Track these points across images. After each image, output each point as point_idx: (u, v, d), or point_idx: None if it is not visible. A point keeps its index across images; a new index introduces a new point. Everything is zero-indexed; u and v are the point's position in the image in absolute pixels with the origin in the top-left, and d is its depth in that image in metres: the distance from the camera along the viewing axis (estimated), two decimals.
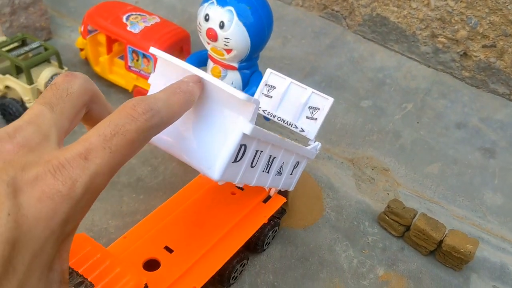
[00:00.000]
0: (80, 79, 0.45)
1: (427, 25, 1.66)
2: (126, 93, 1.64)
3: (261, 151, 0.92)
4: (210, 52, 1.36)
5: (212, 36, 1.29)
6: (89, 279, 0.81)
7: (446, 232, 1.30)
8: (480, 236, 1.40)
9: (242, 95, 0.64)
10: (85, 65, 1.71)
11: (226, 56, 1.34)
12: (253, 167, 0.92)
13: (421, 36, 1.70)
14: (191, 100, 0.51)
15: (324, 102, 1.15)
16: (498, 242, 1.40)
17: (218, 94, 0.66)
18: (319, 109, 1.14)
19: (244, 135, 0.72)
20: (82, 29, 1.61)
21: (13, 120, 1.52)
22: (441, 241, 1.29)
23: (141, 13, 1.60)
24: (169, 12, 2.02)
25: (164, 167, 1.43)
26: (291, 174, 1.18)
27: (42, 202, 0.31)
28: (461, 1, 1.56)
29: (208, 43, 1.33)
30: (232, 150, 0.75)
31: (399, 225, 1.35)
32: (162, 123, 0.44)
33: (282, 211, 1.30)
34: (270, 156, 0.96)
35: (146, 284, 0.85)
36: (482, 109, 1.69)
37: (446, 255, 1.29)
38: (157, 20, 1.59)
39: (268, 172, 1.00)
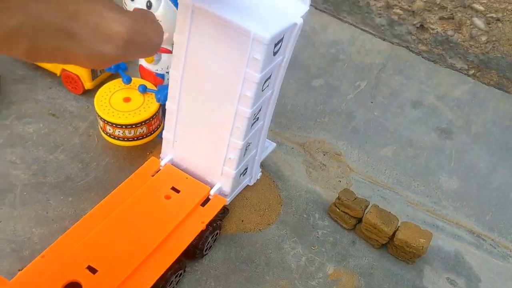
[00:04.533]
0: None
1: None
2: (54, 77, 1.49)
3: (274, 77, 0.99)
4: None
5: None
6: None
7: (398, 225, 1.24)
8: (435, 224, 1.34)
9: None
10: None
11: None
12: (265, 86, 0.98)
13: (375, 7, 1.58)
14: None
15: None
16: (453, 229, 1.34)
17: None
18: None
19: (300, 25, 0.89)
20: None
21: None
22: (393, 235, 1.23)
23: None
24: None
25: (96, 163, 1.30)
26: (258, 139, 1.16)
27: None
28: None
29: None
30: (287, 26, 0.88)
31: (350, 217, 1.28)
32: None
33: (224, 211, 1.20)
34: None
35: None
36: (439, 86, 1.60)
37: (399, 249, 1.23)
38: None
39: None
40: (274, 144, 1.35)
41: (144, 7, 1.14)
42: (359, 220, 1.29)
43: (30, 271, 0.95)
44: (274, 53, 0.93)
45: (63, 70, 1.44)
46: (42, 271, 0.94)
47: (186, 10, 0.93)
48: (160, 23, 1.16)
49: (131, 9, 1.15)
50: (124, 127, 1.21)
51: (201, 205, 1.13)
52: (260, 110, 1.05)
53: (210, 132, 1.09)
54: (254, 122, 1.06)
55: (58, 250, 0.99)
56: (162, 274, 1.00)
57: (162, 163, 1.18)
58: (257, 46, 0.88)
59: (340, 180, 1.39)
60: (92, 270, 0.96)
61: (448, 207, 1.39)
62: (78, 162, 1.30)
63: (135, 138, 1.26)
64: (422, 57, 1.64)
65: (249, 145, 1.12)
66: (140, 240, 1.03)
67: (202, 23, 0.93)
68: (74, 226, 1.05)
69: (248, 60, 0.91)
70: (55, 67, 1.45)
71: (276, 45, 0.91)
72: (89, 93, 1.45)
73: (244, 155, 1.12)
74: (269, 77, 0.98)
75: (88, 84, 1.44)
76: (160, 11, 1.13)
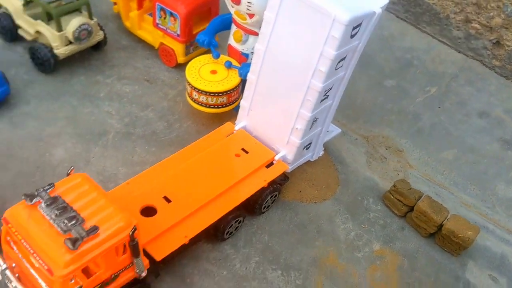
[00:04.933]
0: None
1: (462, 9, 1.61)
2: (152, 50, 1.68)
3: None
4: (233, 16, 1.38)
5: (235, 0, 1.31)
6: (81, 215, 0.86)
7: (448, 217, 1.29)
8: (485, 226, 1.38)
9: None
10: (117, 19, 1.75)
11: (248, 20, 1.35)
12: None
13: (454, 20, 1.65)
14: None
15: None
16: (503, 233, 1.37)
17: None
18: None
19: (379, 14, 1.00)
20: None
21: (41, 64, 1.59)
22: (441, 225, 1.28)
23: None
24: None
25: (179, 124, 1.47)
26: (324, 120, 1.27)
27: None
28: None
29: (232, 7, 1.35)
30: (366, 13, 0.98)
31: (403, 205, 1.35)
32: None
33: (285, 178, 1.32)
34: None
35: (135, 226, 0.89)
36: (508, 100, 1.64)
37: (445, 239, 1.29)
38: None
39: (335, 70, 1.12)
40: (339, 130, 1.45)
41: None
42: (411, 209, 1.35)
43: (116, 193, 1.11)
44: (352, 36, 1.05)
45: (161, 43, 1.63)
46: (126, 195, 1.11)
47: None
48: (253, 5, 1.32)
49: None
50: (208, 94, 1.37)
51: (265, 167, 1.25)
52: (331, 88, 1.16)
53: (282, 103, 1.22)
54: (324, 99, 1.18)
55: (140, 181, 1.15)
56: (224, 215, 1.14)
57: (236, 127, 1.32)
58: (337, 26, 1.00)
59: (398, 173, 1.47)
60: (167, 200, 1.11)
61: (501, 214, 1.42)
62: (164, 121, 1.47)
63: (216, 106, 1.41)
64: (495, 71, 1.68)
65: (316, 120, 1.23)
66: (209, 184, 1.17)
67: (290, 3, 1.07)
68: (156, 165, 1.21)
69: (327, 38, 1.03)
70: (155, 41, 1.65)
71: (354, 28, 1.03)
72: (180, 67, 1.63)
73: (310, 128, 1.24)
74: (344, 58, 1.10)
75: (181, 59, 1.62)
76: None
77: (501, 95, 1.66)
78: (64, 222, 0.83)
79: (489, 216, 1.41)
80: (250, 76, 1.26)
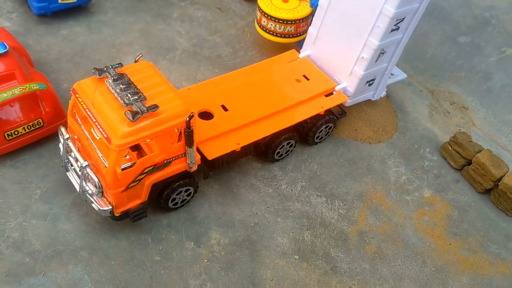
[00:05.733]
0: None
1: None
2: None
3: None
4: None
5: None
6: (144, 94, 0.90)
7: (507, 172, 1.24)
8: None
9: None
10: None
11: None
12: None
13: None
14: None
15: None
16: None
17: None
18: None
19: None
20: None
21: None
22: (499, 180, 1.24)
23: None
24: None
25: (244, 52, 1.49)
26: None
27: None
28: None
29: None
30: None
31: (461, 157, 1.31)
32: None
33: (342, 113, 1.31)
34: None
35: (192, 113, 0.92)
36: None
37: (501, 196, 1.24)
38: None
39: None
40: (404, 75, 1.42)
41: None
42: (469, 163, 1.31)
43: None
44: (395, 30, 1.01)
45: None
46: (186, 97, 1.14)
47: None
48: None
49: None
50: (277, 20, 1.38)
51: (325, 96, 1.25)
52: (403, 19, 1.14)
53: (350, 31, 1.20)
54: (394, 30, 1.15)
55: (201, 88, 1.19)
56: (277, 134, 1.15)
57: (301, 55, 1.32)
58: None
59: (460, 129, 1.42)
60: (224, 108, 1.14)
61: None
62: (230, 47, 1.50)
63: (283, 35, 1.41)
64: None
65: (383, 53, 1.21)
66: (268, 102, 1.19)
67: None
68: (218, 77, 1.24)
69: None
70: None
71: None
72: (252, 1, 1.64)
73: (376, 61, 1.22)
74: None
75: None
76: None
77: None
78: (127, 96, 0.87)
79: None
80: (321, 1, 1.25)
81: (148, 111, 0.87)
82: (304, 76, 1.28)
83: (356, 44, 1.21)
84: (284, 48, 1.48)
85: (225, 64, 1.45)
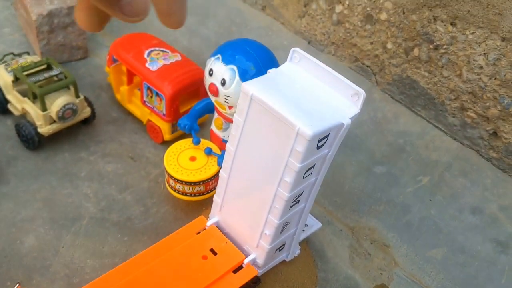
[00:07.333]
0: None
1: (457, 97, 1.56)
2: (141, 124, 1.67)
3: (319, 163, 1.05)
4: (214, 103, 1.36)
5: (213, 91, 1.29)
6: None
7: None
8: None
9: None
10: (111, 90, 1.75)
11: (228, 111, 1.32)
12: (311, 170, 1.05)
13: (450, 107, 1.60)
14: None
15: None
16: None
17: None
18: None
19: (347, 125, 0.94)
20: (107, 57, 1.66)
21: (26, 141, 1.59)
22: None
23: (164, 49, 1.61)
24: (203, 42, 2.03)
25: (157, 209, 1.44)
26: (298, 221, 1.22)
27: None
28: (495, 78, 1.45)
29: (212, 96, 1.33)
30: (333, 125, 0.95)
31: None
32: None
33: (256, 281, 1.26)
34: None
35: None
36: (504, 196, 1.55)
37: None
38: (178, 58, 1.60)
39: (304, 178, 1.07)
40: (319, 224, 1.39)
41: (219, 84, 1.27)
42: None
43: None
44: (318, 147, 1.00)
45: (148, 120, 1.62)
46: None
47: (246, 97, 1.04)
48: (230, 99, 1.29)
49: (208, 84, 1.30)
50: (184, 183, 1.34)
51: (233, 271, 1.20)
52: (301, 194, 1.12)
53: (251, 206, 1.17)
54: (294, 204, 1.13)
55: (102, 284, 1.12)
56: None
57: (208, 223, 1.28)
58: (300, 140, 0.96)
59: (382, 273, 1.40)
60: None
61: None
62: (141, 206, 1.44)
63: (193, 195, 1.38)
64: (492, 163, 1.61)
65: (287, 224, 1.18)
66: None
67: (257, 110, 1.03)
68: (119, 266, 1.17)
69: (291, 151, 0.99)
70: (143, 116, 1.64)
71: (320, 140, 0.99)
72: (167, 144, 1.60)
73: (281, 233, 1.19)
74: (313, 166, 1.06)
75: (167, 136, 1.60)
76: (231, 89, 1.26)
77: (496, 189, 1.58)
78: None
79: None
80: (221, 173, 1.23)
81: None
82: (212, 250, 1.23)
83: (258, 219, 1.18)
84: (197, 202, 1.44)
85: (135, 228, 1.39)
